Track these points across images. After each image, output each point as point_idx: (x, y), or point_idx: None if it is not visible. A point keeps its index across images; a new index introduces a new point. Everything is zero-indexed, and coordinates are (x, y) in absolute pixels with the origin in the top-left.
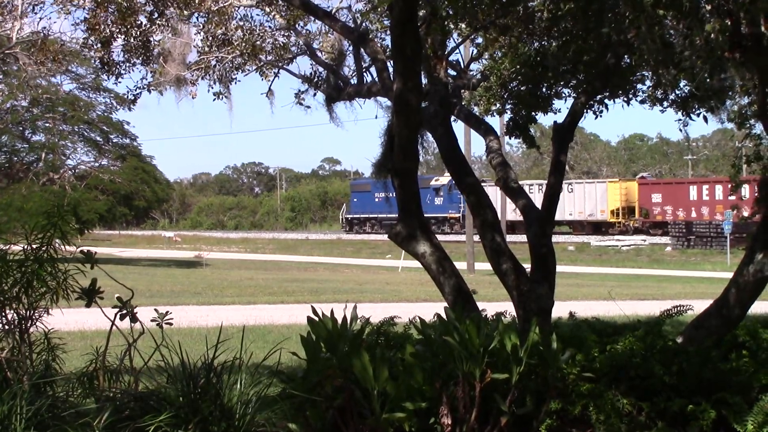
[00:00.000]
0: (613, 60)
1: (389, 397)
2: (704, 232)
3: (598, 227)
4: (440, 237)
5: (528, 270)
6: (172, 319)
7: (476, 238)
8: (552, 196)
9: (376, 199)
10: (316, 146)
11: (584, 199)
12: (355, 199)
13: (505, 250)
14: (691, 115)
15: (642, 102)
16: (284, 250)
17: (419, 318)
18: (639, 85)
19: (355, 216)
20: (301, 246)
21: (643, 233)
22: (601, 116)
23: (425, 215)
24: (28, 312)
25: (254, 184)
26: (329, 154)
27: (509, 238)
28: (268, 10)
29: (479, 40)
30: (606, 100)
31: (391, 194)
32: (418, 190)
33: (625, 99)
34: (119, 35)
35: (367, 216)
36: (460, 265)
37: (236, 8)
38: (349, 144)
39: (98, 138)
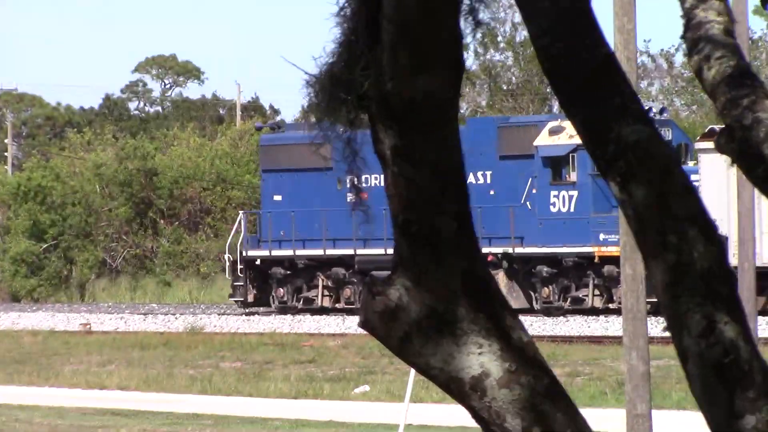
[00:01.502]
0: None
1: None
2: None
3: None
4: (570, 322)
5: None
6: None
7: (654, 327)
8: None
9: (349, 198)
10: (105, 17)
11: None
12: (276, 197)
13: (754, 370)
14: None
15: None
16: None
17: None
18: None
19: (274, 253)
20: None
21: None
22: None
23: (520, 248)
24: None
25: None
26: (156, 51)
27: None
28: None
29: None
30: None
31: (375, 181)
32: (461, 167)
33: None
34: None
35: (315, 254)
36: (613, 419)
37: None
38: (224, 21)
39: None
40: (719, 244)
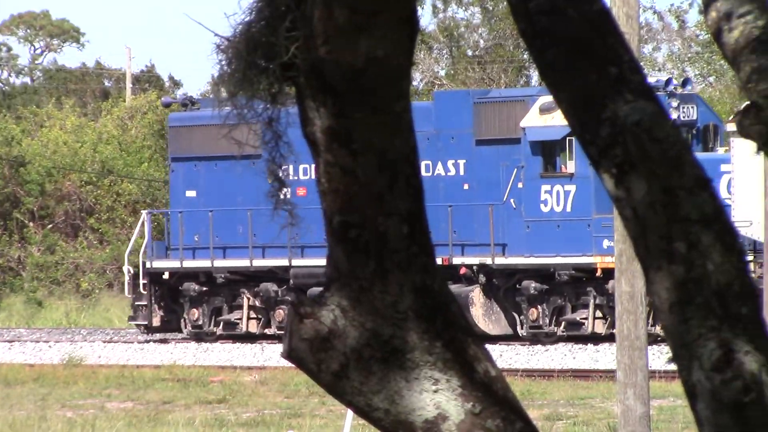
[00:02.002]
0: None
1: None
2: None
3: None
4: None
5: None
6: None
7: (656, 358)
8: None
9: (272, 193)
10: None
11: None
12: (188, 192)
13: None
14: None
15: None
16: None
17: None
18: None
19: (186, 265)
20: None
21: None
22: None
23: (502, 258)
24: None
25: None
26: (23, 6)
27: None
28: None
29: None
30: None
31: (309, 173)
32: (414, 155)
33: None
34: None
35: (239, 266)
36: None
37: None
38: None
39: None
40: (740, 253)
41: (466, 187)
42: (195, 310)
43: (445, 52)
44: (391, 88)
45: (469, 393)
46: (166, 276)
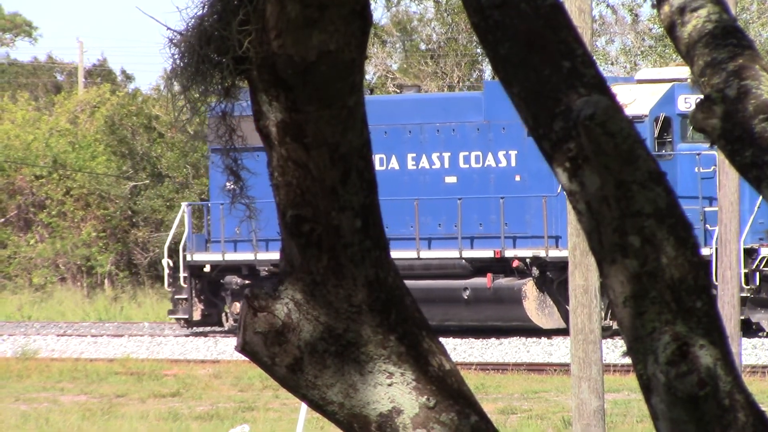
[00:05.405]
0: None
1: None
2: None
3: None
4: None
5: None
6: None
7: (611, 352)
8: None
9: (227, 186)
10: None
11: None
12: (229, 184)
13: (736, 406)
14: None
15: None
16: None
17: None
18: None
19: (228, 258)
20: None
21: None
22: None
23: (555, 251)
24: None
25: None
26: None
27: None
28: None
29: None
30: None
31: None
32: (368, 149)
33: None
34: None
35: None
36: None
37: None
38: None
39: None
40: (694, 247)
41: (518, 178)
42: (237, 303)
43: (398, 45)
44: (343, 82)
45: (424, 386)
46: (207, 269)
